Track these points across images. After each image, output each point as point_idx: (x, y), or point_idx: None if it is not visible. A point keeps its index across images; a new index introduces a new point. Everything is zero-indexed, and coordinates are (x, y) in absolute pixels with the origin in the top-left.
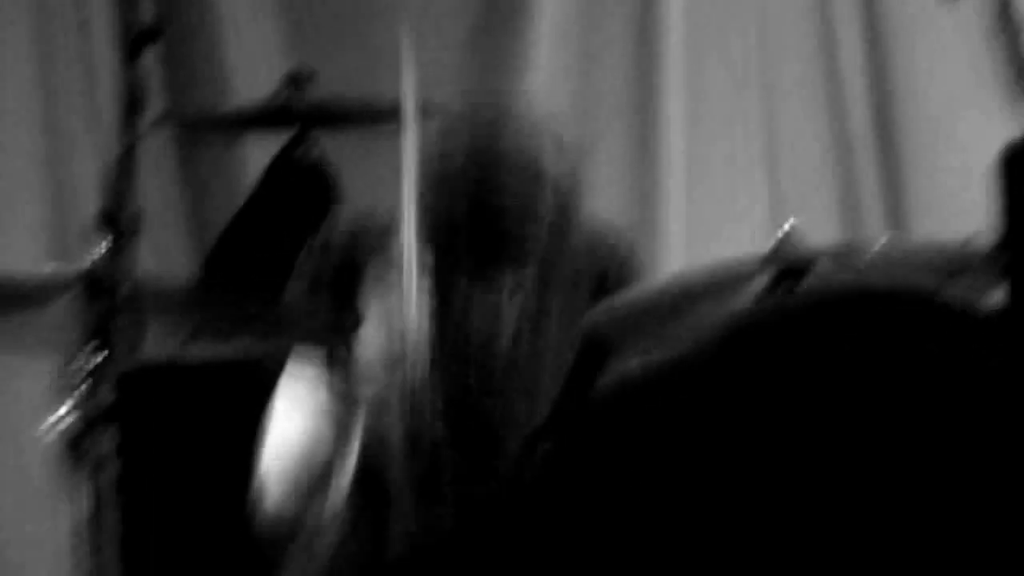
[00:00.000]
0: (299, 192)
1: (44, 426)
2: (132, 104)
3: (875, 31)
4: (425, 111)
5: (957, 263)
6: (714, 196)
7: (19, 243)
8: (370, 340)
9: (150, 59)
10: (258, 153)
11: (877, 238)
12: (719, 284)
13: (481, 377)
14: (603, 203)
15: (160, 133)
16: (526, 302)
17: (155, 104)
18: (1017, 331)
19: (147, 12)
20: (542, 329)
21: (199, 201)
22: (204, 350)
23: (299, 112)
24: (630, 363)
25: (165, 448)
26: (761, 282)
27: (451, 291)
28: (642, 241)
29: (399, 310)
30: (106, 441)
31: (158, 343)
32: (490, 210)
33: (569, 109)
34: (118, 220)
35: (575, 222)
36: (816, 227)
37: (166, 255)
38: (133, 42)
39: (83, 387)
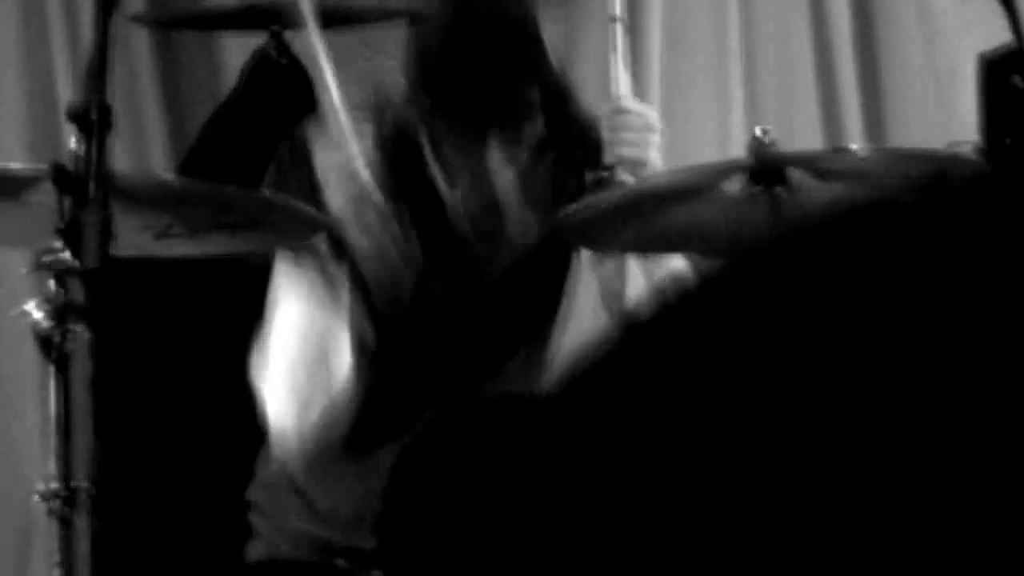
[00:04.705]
0: (276, 92)
1: (14, 315)
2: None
3: None
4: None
5: (938, 171)
6: (691, 102)
7: None
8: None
9: None
10: (236, 52)
11: (856, 145)
12: (690, 187)
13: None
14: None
15: (137, 29)
16: (522, 165)
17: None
18: None
19: None
20: (532, 195)
21: (176, 99)
22: (178, 247)
23: (277, 12)
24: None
25: (139, 346)
26: (732, 186)
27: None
28: None
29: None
30: (77, 337)
31: (130, 240)
32: (483, 59)
33: None
34: (90, 115)
35: (572, 100)
36: (796, 134)
37: (142, 153)
38: None
39: (53, 282)
